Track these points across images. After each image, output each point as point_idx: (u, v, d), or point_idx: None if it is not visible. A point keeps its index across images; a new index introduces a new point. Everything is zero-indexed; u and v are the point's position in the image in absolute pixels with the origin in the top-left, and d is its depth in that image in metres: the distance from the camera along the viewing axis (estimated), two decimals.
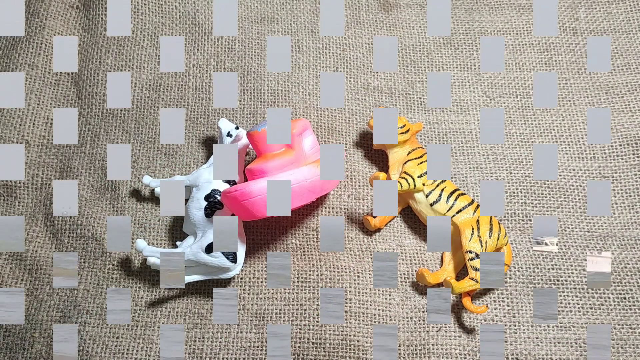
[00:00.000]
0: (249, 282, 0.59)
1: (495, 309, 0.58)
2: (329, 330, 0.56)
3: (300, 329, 0.56)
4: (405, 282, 0.59)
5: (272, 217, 0.61)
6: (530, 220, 0.62)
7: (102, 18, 0.71)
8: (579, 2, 0.75)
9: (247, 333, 0.57)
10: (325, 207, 0.62)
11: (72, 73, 0.69)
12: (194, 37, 0.71)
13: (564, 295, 0.59)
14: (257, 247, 0.61)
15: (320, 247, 0.57)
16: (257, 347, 0.56)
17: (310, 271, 0.59)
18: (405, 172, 0.60)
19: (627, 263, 0.60)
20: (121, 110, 0.67)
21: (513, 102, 0.69)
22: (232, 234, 0.55)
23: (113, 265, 0.59)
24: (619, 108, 0.68)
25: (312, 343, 0.56)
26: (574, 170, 0.65)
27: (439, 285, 0.59)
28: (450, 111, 0.68)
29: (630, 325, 0.57)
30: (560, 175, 0.65)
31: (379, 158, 0.66)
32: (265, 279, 0.58)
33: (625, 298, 0.58)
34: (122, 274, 0.59)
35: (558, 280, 0.59)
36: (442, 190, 0.60)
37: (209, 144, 0.66)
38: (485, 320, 0.57)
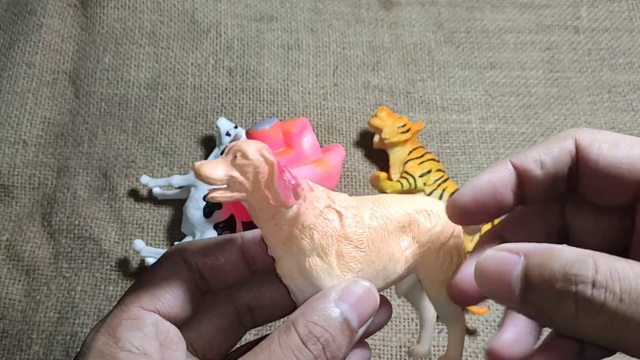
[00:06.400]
0: None
1: (497, 310, 0.57)
2: None
3: None
4: None
5: None
6: None
7: (100, 16, 0.71)
8: (580, 1, 0.75)
9: (247, 334, 0.56)
10: None
11: (69, 72, 0.68)
12: (192, 36, 0.71)
13: None
14: None
15: None
16: None
17: None
18: (406, 172, 0.60)
19: None
20: (119, 110, 0.66)
21: (515, 101, 0.68)
22: None
23: (111, 266, 0.59)
24: (621, 107, 0.68)
25: None
26: None
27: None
28: (452, 110, 0.68)
29: None
30: None
31: (379, 158, 0.65)
32: None
33: None
34: (120, 274, 0.59)
35: None
36: (444, 190, 0.59)
37: (207, 143, 0.65)
38: (487, 321, 0.57)
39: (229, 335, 0.35)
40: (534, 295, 0.24)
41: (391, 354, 0.55)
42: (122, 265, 0.59)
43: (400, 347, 0.56)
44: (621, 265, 0.22)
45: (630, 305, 0.22)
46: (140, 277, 0.31)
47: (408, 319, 0.57)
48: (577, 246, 0.31)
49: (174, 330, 0.30)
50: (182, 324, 0.31)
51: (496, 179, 0.29)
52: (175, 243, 0.58)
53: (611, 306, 0.22)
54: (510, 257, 0.25)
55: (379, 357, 0.55)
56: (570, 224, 0.31)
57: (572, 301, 0.23)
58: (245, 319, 0.35)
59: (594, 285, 0.22)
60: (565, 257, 0.23)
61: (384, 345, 0.55)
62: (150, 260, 0.57)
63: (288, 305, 0.33)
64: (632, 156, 0.27)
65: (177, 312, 0.30)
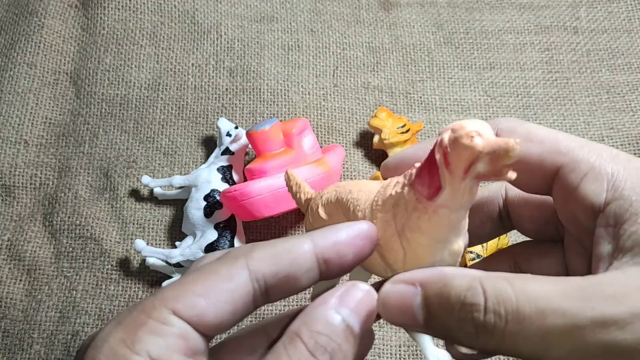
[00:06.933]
0: None
1: None
2: None
3: None
4: None
5: (272, 217, 0.61)
6: None
7: (101, 17, 0.71)
8: (579, 1, 0.75)
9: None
10: None
11: (70, 72, 0.69)
12: (193, 36, 0.71)
13: None
14: None
15: None
16: None
17: None
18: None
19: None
20: (120, 110, 0.67)
21: (514, 102, 0.69)
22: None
23: (112, 265, 0.59)
24: (620, 107, 0.68)
25: None
26: None
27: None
28: (451, 111, 0.68)
29: None
30: None
31: (378, 158, 0.65)
32: None
33: None
34: (121, 274, 0.59)
35: None
36: None
37: (208, 143, 0.65)
38: None
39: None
40: (437, 322, 0.26)
41: (390, 353, 0.56)
42: (123, 264, 0.59)
43: (400, 347, 0.56)
44: (504, 287, 0.25)
45: (515, 324, 0.24)
46: (190, 273, 0.28)
47: None
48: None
49: (201, 344, 0.27)
50: (214, 335, 0.28)
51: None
52: (177, 243, 0.58)
53: (500, 327, 0.24)
54: (408, 289, 0.27)
55: (379, 357, 0.55)
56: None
57: (472, 325, 0.25)
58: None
59: (485, 311, 0.25)
60: (458, 285, 0.26)
61: (383, 345, 0.56)
62: (151, 260, 0.57)
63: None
64: (541, 153, 0.29)
65: (214, 324, 0.27)
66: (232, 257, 0.28)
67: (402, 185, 0.29)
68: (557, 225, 0.33)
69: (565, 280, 0.24)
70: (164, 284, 0.56)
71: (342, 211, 0.33)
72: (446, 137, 0.26)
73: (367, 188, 0.32)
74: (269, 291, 0.28)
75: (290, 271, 0.28)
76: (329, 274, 0.30)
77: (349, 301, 0.28)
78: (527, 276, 0.25)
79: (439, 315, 0.26)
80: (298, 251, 0.28)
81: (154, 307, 0.26)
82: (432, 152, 0.27)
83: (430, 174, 0.27)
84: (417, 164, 0.29)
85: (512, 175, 0.25)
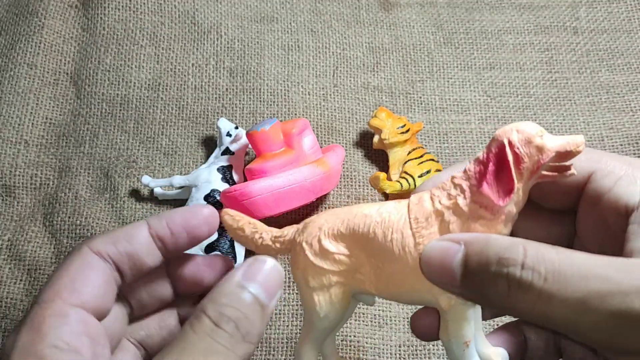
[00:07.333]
0: None
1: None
2: None
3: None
4: None
5: (272, 217, 0.61)
6: None
7: (101, 17, 0.71)
8: (579, 1, 0.75)
9: None
10: (325, 207, 0.62)
11: (70, 72, 0.69)
12: (193, 36, 0.71)
13: None
14: None
15: None
16: (256, 347, 0.56)
17: None
18: (405, 172, 0.60)
19: None
20: (120, 110, 0.67)
21: (514, 102, 0.69)
22: None
23: None
24: (619, 107, 0.68)
25: None
26: None
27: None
28: (451, 111, 0.68)
29: None
30: None
31: (379, 158, 0.65)
32: None
33: None
34: None
35: None
36: None
37: (208, 143, 0.66)
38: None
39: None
40: (473, 279, 0.27)
41: (390, 353, 0.56)
42: None
43: (400, 346, 0.56)
44: (547, 250, 0.25)
45: (554, 284, 0.24)
46: (52, 274, 0.30)
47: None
48: None
49: (99, 325, 0.29)
50: (103, 318, 0.30)
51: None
52: None
53: (537, 285, 0.25)
54: (452, 245, 0.28)
55: (379, 357, 0.55)
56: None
57: (505, 281, 0.25)
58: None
59: (522, 267, 0.25)
60: (499, 244, 0.26)
61: (383, 345, 0.56)
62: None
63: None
64: (573, 166, 0.30)
65: (99, 305, 0.29)
66: (77, 248, 0.31)
67: (449, 196, 0.29)
68: (569, 244, 0.33)
69: (608, 257, 0.25)
70: None
71: (362, 239, 0.31)
72: (515, 137, 0.27)
73: (388, 209, 0.31)
74: (120, 269, 0.31)
75: (131, 250, 0.31)
76: (169, 253, 0.32)
77: (254, 274, 0.29)
78: (570, 249, 0.26)
79: (476, 272, 0.26)
80: (134, 232, 0.31)
81: (44, 307, 0.28)
82: (499, 156, 0.28)
83: (498, 178, 0.28)
84: (458, 173, 0.29)
85: (574, 171, 0.26)
